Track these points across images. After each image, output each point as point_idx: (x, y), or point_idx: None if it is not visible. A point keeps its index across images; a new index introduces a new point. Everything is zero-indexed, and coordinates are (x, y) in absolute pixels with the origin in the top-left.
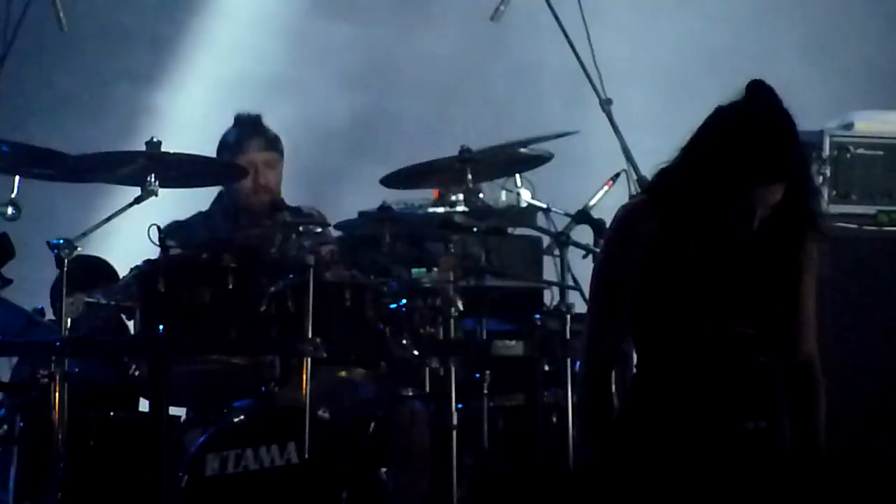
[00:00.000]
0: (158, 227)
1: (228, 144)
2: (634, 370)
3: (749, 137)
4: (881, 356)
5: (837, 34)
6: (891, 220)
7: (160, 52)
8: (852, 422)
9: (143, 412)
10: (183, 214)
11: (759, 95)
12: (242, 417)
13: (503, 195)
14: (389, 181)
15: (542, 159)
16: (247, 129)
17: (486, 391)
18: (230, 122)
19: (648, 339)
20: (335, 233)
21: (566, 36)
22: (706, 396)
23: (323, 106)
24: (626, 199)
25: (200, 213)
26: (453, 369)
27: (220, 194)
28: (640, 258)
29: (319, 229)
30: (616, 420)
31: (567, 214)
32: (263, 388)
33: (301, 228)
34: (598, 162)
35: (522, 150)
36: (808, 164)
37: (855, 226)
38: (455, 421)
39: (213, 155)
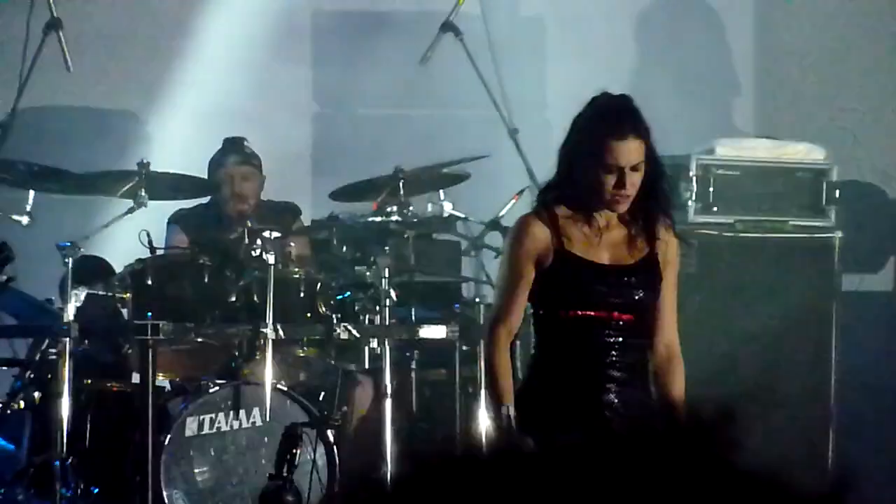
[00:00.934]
0: (147, 233)
1: (214, 161)
2: (532, 349)
3: (595, 108)
4: (736, 341)
5: (703, 74)
6: (745, 228)
7: (150, 88)
8: (715, 395)
9: (134, 383)
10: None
11: (604, 94)
12: (216, 388)
13: (429, 207)
14: (337, 195)
15: (460, 178)
16: (227, 148)
17: (413, 367)
18: (208, 146)
19: (544, 324)
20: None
21: (481, 78)
22: (591, 371)
23: (284, 133)
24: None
25: (201, 204)
26: (388, 349)
27: (210, 200)
28: (533, 256)
29: (277, 234)
30: (519, 390)
31: (481, 223)
32: (233, 364)
33: (265, 234)
34: (507, 180)
35: (445, 170)
36: (658, 159)
37: (716, 232)
38: (389, 391)
39: (198, 172)
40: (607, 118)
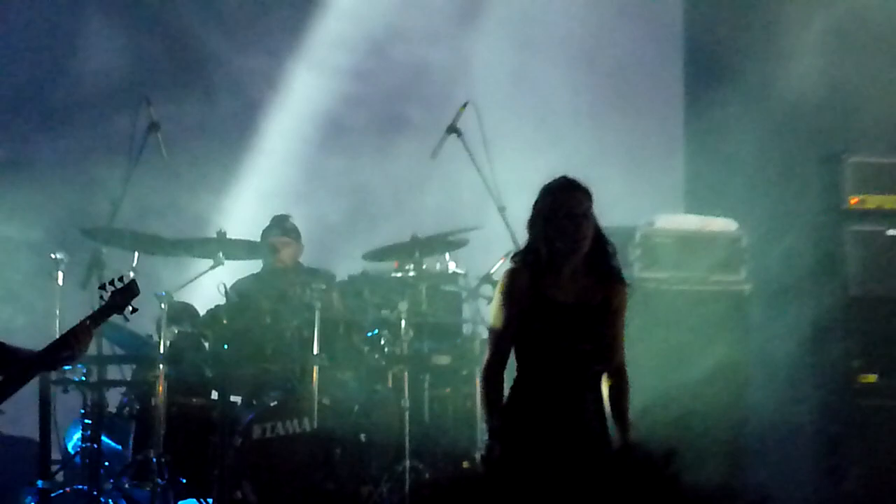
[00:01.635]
0: (224, 285)
1: (263, 232)
2: (515, 371)
3: (553, 182)
4: (673, 371)
5: (647, 163)
6: (677, 282)
7: (226, 173)
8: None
9: (213, 399)
10: (241, 274)
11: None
12: (276, 402)
13: (437, 265)
14: (368, 256)
15: (461, 243)
16: (273, 223)
17: (426, 387)
18: (269, 219)
19: (524, 353)
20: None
21: (476, 168)
22: (561, 389)
23: (327, 209)
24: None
25: (252, 274)
26: (406, 373)
27: (264, 263)
28: (517, 299)
29: (322, 286)
30: (503, 406)
31: (477, 278)
32: (288, 385)
33: (311, 285)
34: (496, 245)
35: (449, 238)
36: (602, 229)
37: (654, 285)
38: (407, 405)
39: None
40: (562, 184)
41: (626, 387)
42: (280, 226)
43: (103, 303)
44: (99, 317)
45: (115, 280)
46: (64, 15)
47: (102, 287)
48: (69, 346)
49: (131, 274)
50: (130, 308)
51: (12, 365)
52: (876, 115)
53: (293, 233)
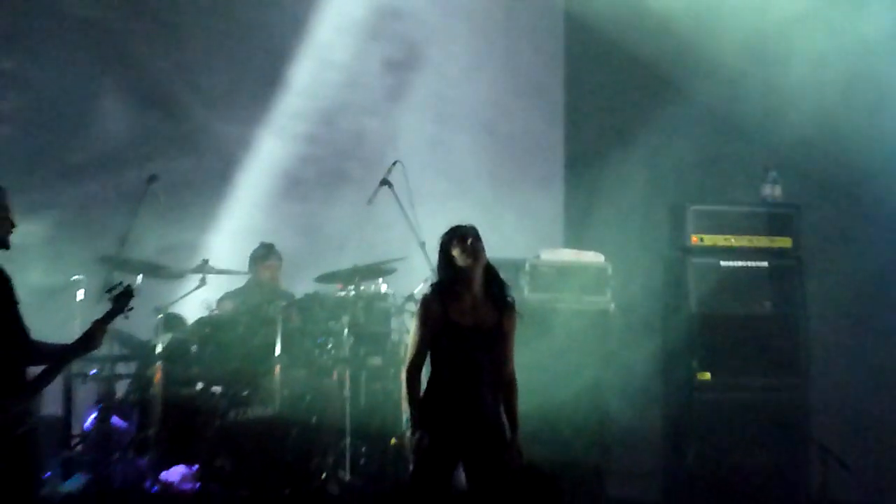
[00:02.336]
0: (207, 301)
1: (252, 255)
2: (429, 374)
3: (446, 231)
4: (552, 370)
5: (532, 207)
6: (557, 302)
7: (208, 218)
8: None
9: (198, 390)
10: (220, 291)
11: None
12: (247, 392)
13: (372, 287)
14: (319, 279)
15: (391, 270)
16: (266, 250)
17: (363, 381)
18: (242, 252)
19: (435, 361)
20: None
21: (403, 212)
22: (460, 391)
23: (286, 244)
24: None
25: (238, 289)
26: (347, 371)
27: (248, 280)
28: (430, 321)
29: (285, 303)
30: (421, 399)
31: (403, 297)
32: (257, 379)
33: (275, 302)
34: (418, 271)
35: (382, 266)
36: (490, 263)
37: (539, 305)
38: (348, 395)
39: (237, 266)
40: (453, 226)
41: (515, 389)
42: (273, 251)
43: (109, 306)
44: (107, 317)
45: (116, 286)
46: (83, 88)
47: (108, 291)
48: (89, 339)
49: (126, 281)
50: (130, 307)
51: (49, 357)
52: (709, 174)
53: (278, 257)
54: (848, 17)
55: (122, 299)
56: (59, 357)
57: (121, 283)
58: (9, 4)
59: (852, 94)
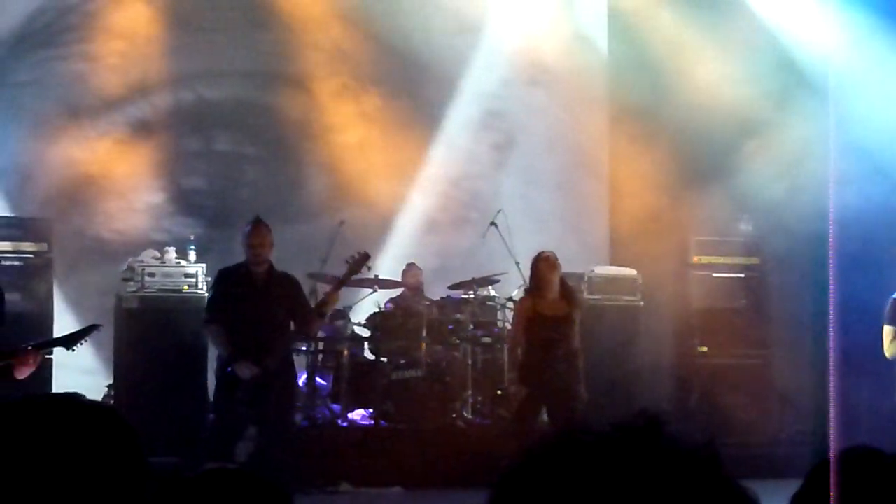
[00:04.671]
0: (378, 302)
1: (404, 271)
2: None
3: (536, 257)
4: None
5: (583, 219)
6: (610, 301)
7: (375, 247)
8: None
9: (370, 359)
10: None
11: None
12: (403, 360)
13: (484, 292)
14: (451, 287)
15: (496, 280)
16: (406, 267)
17: (479, 353)
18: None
19: (528, 338)
20: None
21: (505, 244)
22: (544, 359)
23: (428, 263)
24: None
25: (398, 294)
26: (469, 347)
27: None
28: (526, 312)
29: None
30: (519, 364)
31: (505, 298)
32: (411, 353)
33: (424, 301)
34: (513, 282)
35: (490, 277)
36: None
37: (592, 304)
38: (470, 363)
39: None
40: (539, 253)
41: (580, 357)
42: (415, 267)
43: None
44: (344, 278)
45: (355, 254)
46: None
47: (347, 261)
48: (324, 304)
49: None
50: (369, 266)
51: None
52: (704, 215)
53: (420, 270)
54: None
55: (359, 263)
56: (317, 307)
57: (359, 252)
58: None
59: None
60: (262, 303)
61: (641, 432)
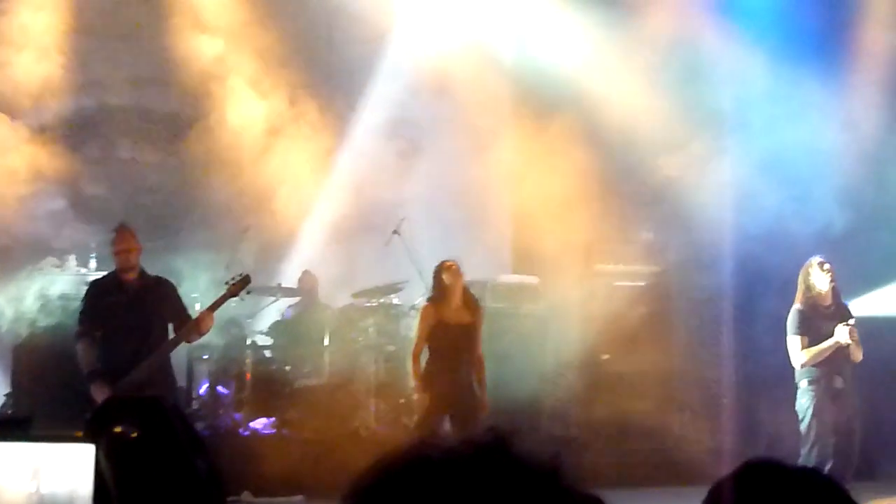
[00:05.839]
0: (281, 310)
1: (301, 279)
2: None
3: (438, 266)
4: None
5: (486, 227)
6: (510, 308)
7: (280, 256)
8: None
9: (274, 367)
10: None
11: None
12: (308, 369)
13: (388, 300)
14: (355, 295)
15: (399, 288)
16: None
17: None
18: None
19: (431, 346)
20: None
21: (407, 250)
22: (447, 367)
23: (331, 272)
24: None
25: (298, 301)
26: (373, 356)
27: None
28: (429, 320)
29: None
30: (422, 373)
31: (408, 306)
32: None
33: (326, 310)
34: (416, 289)
35: (394, 285)
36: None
37: (495, 310)
38: (373, 369)
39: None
40: (442, 263)
41: (482, 365)
42: (309, 275)
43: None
44: (217, 303)
45: (235, 276)
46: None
47: (226, 283)
48: (199, 323)
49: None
50: (247, 291)
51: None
52: (607, 223)
53: (316, 279)
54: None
55: (238, 286)
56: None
57: (240, 275)
58: None
59: None
60: (135, 311)
61: (489, 449)
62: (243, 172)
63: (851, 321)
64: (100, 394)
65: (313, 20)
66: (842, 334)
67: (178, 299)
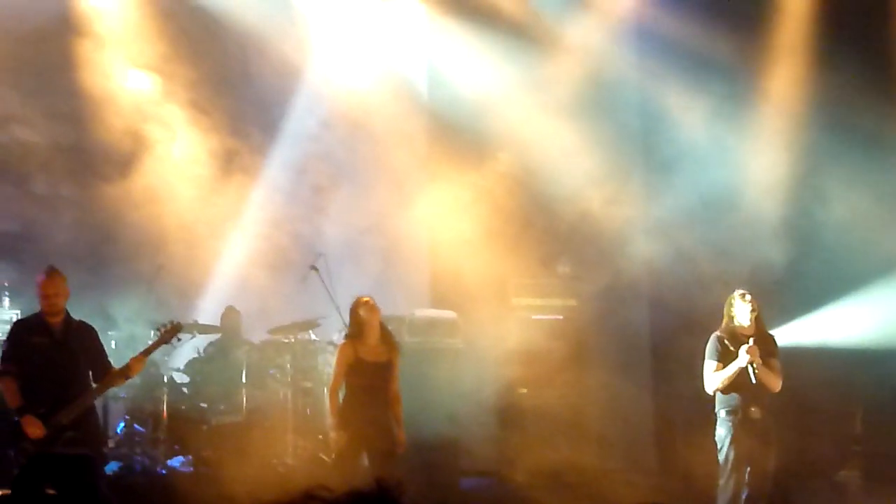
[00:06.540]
0: (198, 347)
1: (224, 315)
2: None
3: (356, 298)
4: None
5: (403, 262)
6: (429, 344)
7: (197, 294)
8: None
9: (187, 409)
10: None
11: None
12: (223, 406)
13: (305, 336)
14: (271, 331)
15: (316, 324)
16: (226, 311)
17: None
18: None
19: (348, 383)
20: None
21: (325, 285)
22: (365, 405)
23: (251, 307)
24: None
25: (217, 338)
26: (290, 392)
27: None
28: (347, 357)
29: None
30: (339, 410)
31: (325, 342)
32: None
33: (245, 346)
34: (334, 325)
35: (311, 321)
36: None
37: (413, 346)
38: (290, 406)
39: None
40: (360, 296)
41: (399, 402)
42: (234, 311)
43: (154, 340)
44: (149, 349)
45: (167, 323)
46: None
47: (157, 329)
48: (129, 368)
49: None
50: (178, 338)
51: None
52: (523, 258)
53: (240, 316)
54: None
55: (170, 333)
56: (104, 383)
57: (171, 321)
58: None
59: None
60: (59, 354)
61: (373, 501)
62: (159, 208)
63: (751, 340)
64: (32, 429)
65: (227, 55)
66: (742, 356)
67: (99, 344)
